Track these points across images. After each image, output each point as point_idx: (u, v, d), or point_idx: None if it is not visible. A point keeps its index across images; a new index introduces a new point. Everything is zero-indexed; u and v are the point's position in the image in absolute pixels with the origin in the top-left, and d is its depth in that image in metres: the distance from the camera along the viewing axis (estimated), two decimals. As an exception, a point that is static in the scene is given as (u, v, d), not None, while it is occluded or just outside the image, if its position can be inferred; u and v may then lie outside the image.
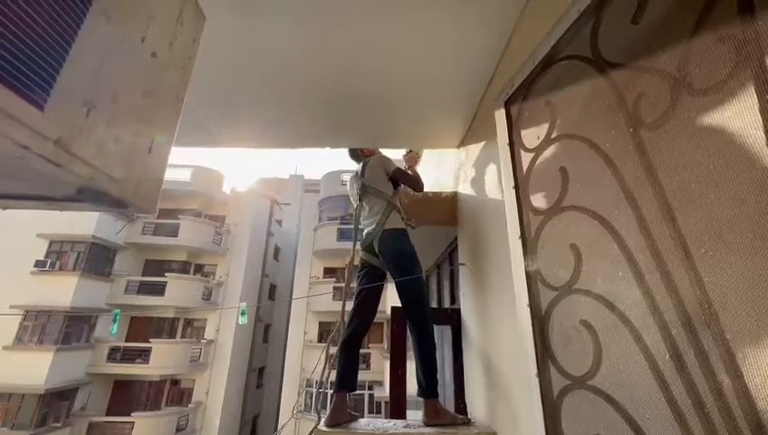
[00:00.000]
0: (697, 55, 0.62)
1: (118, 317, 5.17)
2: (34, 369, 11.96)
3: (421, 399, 1.91)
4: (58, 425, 12.37)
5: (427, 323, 2.03)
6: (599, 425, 0.76)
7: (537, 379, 0.93)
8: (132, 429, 12.97)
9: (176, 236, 15.82)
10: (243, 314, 4.53)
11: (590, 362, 0.79)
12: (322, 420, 1.96)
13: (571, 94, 0.94)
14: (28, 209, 0.75)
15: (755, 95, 0.53)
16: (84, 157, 0.61)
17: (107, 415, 13.73)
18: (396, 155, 3.01)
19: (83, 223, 13.72)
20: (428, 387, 1.89)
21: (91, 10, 0.61)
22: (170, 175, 16.17)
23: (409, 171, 2.81)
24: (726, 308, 0.54)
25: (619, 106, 0.78)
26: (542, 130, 1.03)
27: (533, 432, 0.95)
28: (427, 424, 1.81)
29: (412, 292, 2.06)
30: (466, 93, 2.06)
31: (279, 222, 22.19)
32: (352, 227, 2.51)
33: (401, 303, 2.11)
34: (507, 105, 1.22)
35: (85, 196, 0.67)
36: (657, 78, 0.70)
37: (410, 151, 2.95)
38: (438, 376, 1.97)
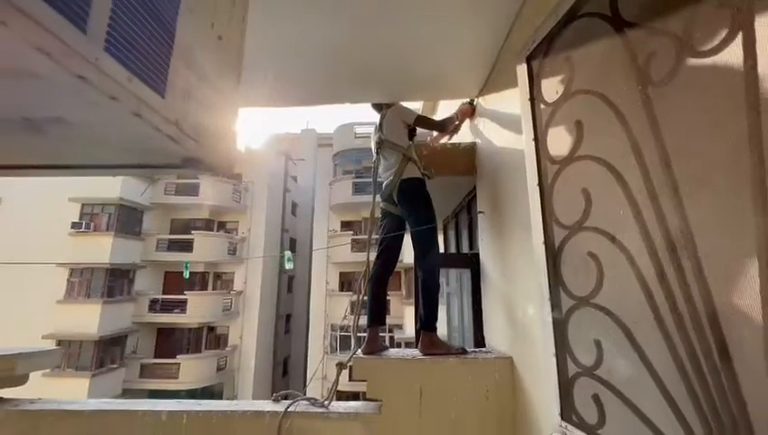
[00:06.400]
0: (701, 19, 0.71)
1: (187, 266, 5.68)
2: (87, 319, 13.25)
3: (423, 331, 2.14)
4: (114, 366, 13.96)
5: (436, 267, 2.25)
6: (598, 332, 0.95)
7: (549, 301, 1.13)
8: (179, 369, 14.50)
9: (197, 195, 16.35)
10: (289, 260, 4.98)
11: (593, 284, 0.96)
12: (359, 350, 2.26)
13: (590, 51, 1.02)
14: (136, 176, 0.93)
15: (742, 59, 0.63)
16: (190, 134, 0.77)
17: (155, 358, 15.32)
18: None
19: (108, 186, 14.25)
20: (428, 321, 2.14)
21: (181, 8, 0.73)
22: (185, 135, 16.23)
23: (455, 121, 2.82)
24: (701, 234, 0.69)
25: (632, 64, 0.88)
26: (561, 85, 1.12)
27: (545, 345, 1.16)
28: (423, 353, 2.04)
29: (425, 238, 2.25)
30: (485, 44, 2.08)
31: (294, 178, 22.44)
32: (369, 180, 2.65)
33: (413, 247, 2.30)
34: (529, 60, 1.29)
35: (188, 164, 0.85)
36: (667, 39, 0.79)
37: (470, 103, 2.82)
38: (439, 312, 2.21)
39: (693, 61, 0.73)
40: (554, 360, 1.09)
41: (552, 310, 1.11)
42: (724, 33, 0.66)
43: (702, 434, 0.66)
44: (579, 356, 1.02)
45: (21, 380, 2.12)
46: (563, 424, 1.05)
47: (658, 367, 0.77)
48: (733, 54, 0.65)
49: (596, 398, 0.94)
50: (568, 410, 1.04)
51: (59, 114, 0.63)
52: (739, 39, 0.64)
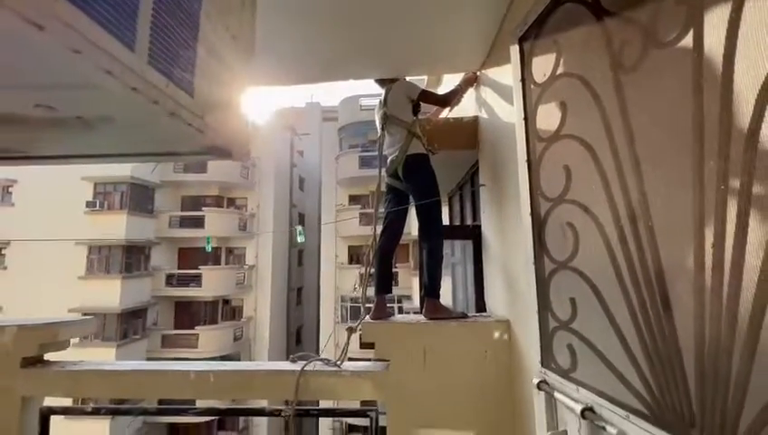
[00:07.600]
0: (663, 13, 0.79)
1: (209, 241, 5.88)
2: (108, 294, 13.90)
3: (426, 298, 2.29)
4: (137, 337, 14.76)
5: (439, 238, 2.39)
6: (573, 291, 1.09)
7: (534, 265, 1.26)
8: (198, 339, 15.27)
9: (205, 172, 16.55)
10: (300, 234, 5.24)
11: (570, 250, 1.09)
12: (368, 316, 2.45)
13: (574, 35, 1.09)
14: (165, 162, 1.06)
15: (692, 51, 0.72)
16: (212, 126, 0.88)
17: (174, 329, 16.12)
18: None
19: (119, 165, 14.49)
20: (432, 288, 2.29)
21: (201, 18, 0.83)
22: (190, 112, 16.33)
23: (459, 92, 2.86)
24: (654, 204, 0.81)
25: (607, 50, 0.96)
26: (549, 67, 1.20)
27: (530, 303, 1.31)
28: (427, 318, 2.21)
29: (429, 212, 2.37)
30: (485, 20, 2.11)
31: (300, 153, 22.41)
32: (375, 153, 2.71)
33: (418, 220, 2.42)
34: (521, 42, 1.36)
35: (210, 151, 0.97)
36: (636, 28, 0.87)
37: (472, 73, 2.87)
38: (442, 282, 2.34)
39: (656, 50, 0.81)
40: (537, 316, 1.24)
41: (536, 273, 1.25)
42: (679, 27, 0.75)
43: (645, 367, 0.81)
44: (558, 312, 1.16)
45: (63, 345, 2.37)
46: (543, 370, 1.21)
47: (618, 317, 0.91)
48: (686, 46, 0.74)
49: (570, 347, 1.09)
50: (548, 359, 1.20)
51: (109, 114, 0.75)
52: (691, 33, 0.72)
